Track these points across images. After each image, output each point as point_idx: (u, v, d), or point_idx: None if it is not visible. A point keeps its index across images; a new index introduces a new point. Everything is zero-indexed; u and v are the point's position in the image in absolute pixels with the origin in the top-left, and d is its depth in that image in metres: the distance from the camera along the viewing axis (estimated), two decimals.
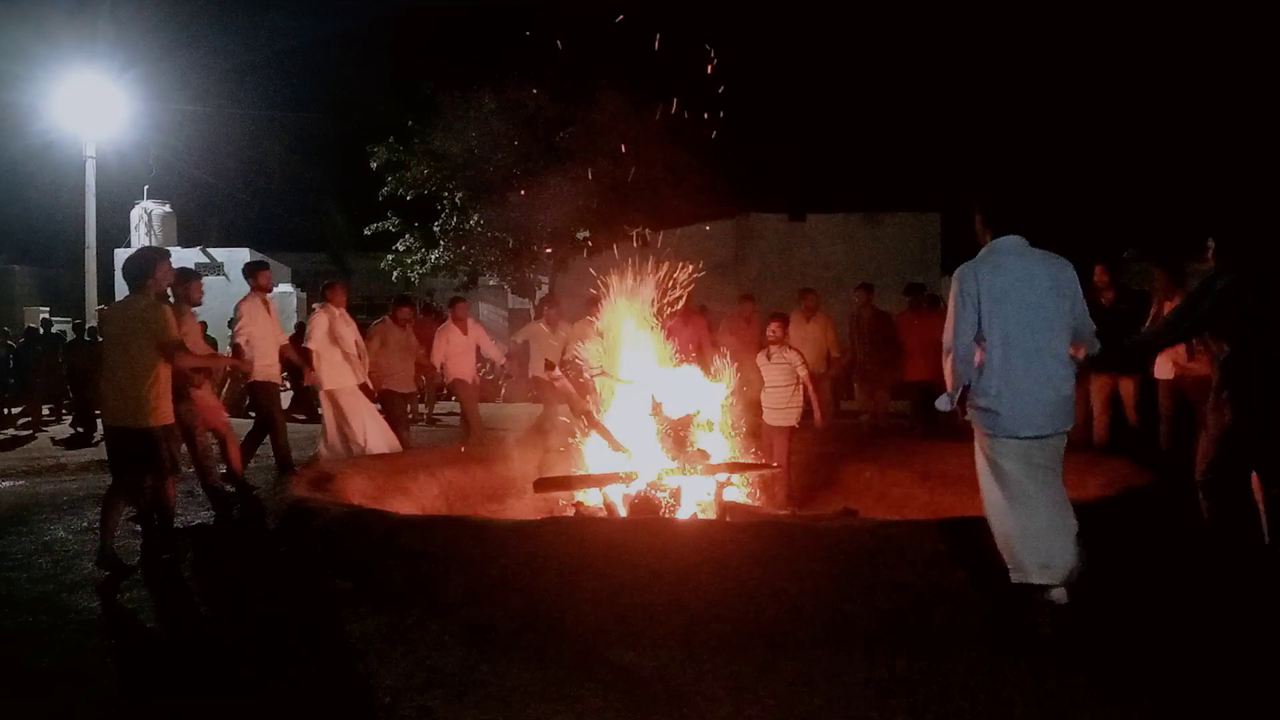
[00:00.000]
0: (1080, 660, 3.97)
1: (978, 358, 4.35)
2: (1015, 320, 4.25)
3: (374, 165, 19.99)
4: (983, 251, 4.44)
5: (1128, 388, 8.07)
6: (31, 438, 13.62)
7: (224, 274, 22.51)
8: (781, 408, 7.90)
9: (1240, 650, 4.06)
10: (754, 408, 7.93)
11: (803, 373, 7.92)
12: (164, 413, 5.69)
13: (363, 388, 8.78)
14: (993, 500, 4.36)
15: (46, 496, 8.26)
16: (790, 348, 8.09)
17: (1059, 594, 4.23)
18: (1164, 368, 7.51)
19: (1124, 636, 4.20)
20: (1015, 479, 4.28)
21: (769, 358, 7.98)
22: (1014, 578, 4.26)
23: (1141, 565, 4.84)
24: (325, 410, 8.70)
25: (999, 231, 4.44)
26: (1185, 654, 4.03)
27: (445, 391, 13.61)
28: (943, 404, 4.45)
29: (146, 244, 21.83)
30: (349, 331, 8.68)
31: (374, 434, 8.60)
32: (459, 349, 10.11)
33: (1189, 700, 3.65)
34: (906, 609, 4.40)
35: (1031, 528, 4.24)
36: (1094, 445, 7.82)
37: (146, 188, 23.21)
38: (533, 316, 20.65)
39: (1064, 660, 3.97)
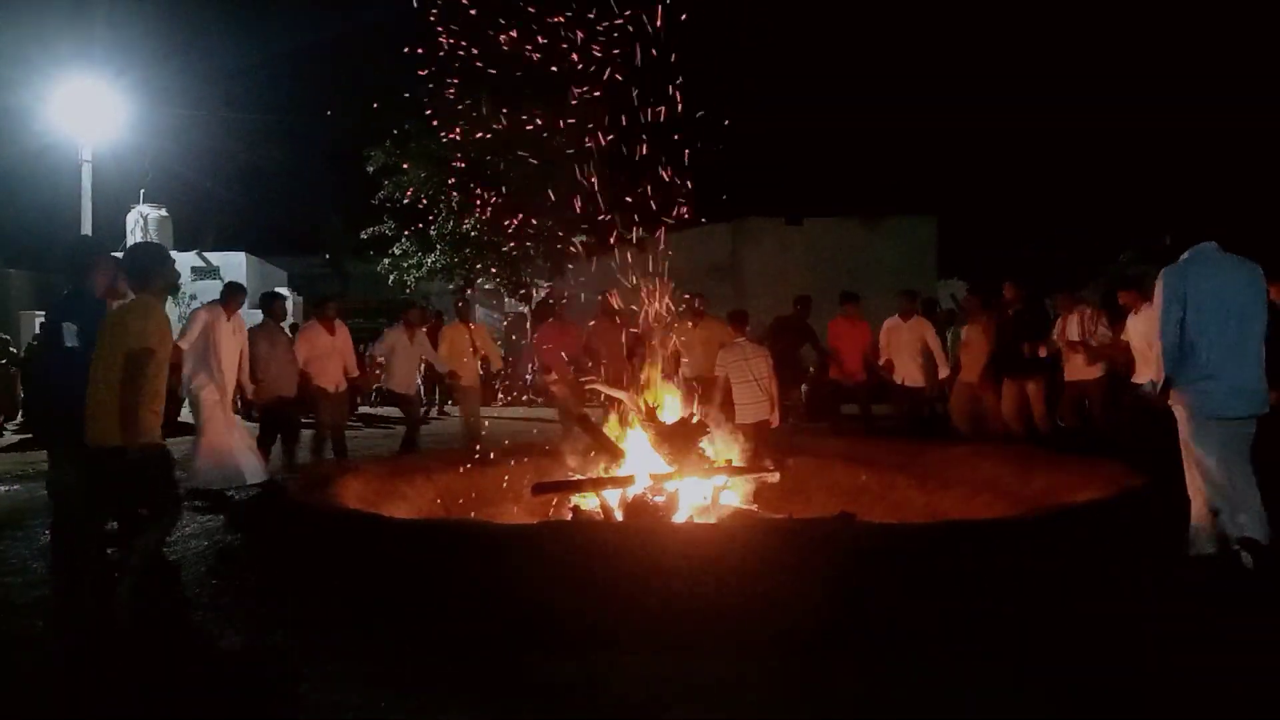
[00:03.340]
0: (1081, 662, 3.97)
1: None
2: (1222, 315, 4.93)
3: (370, 169, 20.00)
4: (1191, 257, 5.10)
5: (1035, 390, 9.00)
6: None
7: (220, 278, 22.46)
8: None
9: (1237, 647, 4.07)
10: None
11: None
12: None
13: (249, 402, 8.51)
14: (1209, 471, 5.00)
15: (42, 501, 8.22)
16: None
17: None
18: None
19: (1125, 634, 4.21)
20: (1218, 455, 4.95)
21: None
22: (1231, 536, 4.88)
23: (1139, 565, 4.86)
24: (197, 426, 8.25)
25: (1192, 239, 5.13)
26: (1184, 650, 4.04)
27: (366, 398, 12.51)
28: (1149, 389, 5.36)
29: None
30: (234, 341, 8.21)
31: (245, 462, 8.03)
32: (323, 352, 9.24)
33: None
34: (905, 613, 4.39)
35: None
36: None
37: (142, 191, 23.14)
38: (529, 319, 20.65)
39: (1065, 663, 3.97)
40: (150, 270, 4.94)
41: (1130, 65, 26.18)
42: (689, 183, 8.85)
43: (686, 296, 10.44)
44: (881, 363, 10.60)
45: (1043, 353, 9.07)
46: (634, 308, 7.74)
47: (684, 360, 7.75)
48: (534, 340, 10.96)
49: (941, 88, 27.23)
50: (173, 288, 5.29)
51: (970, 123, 25.73)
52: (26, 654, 4.48)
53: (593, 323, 10.59)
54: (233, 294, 8.51)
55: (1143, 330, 8.10)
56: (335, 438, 9.41)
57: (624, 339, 10.11)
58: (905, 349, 10.28)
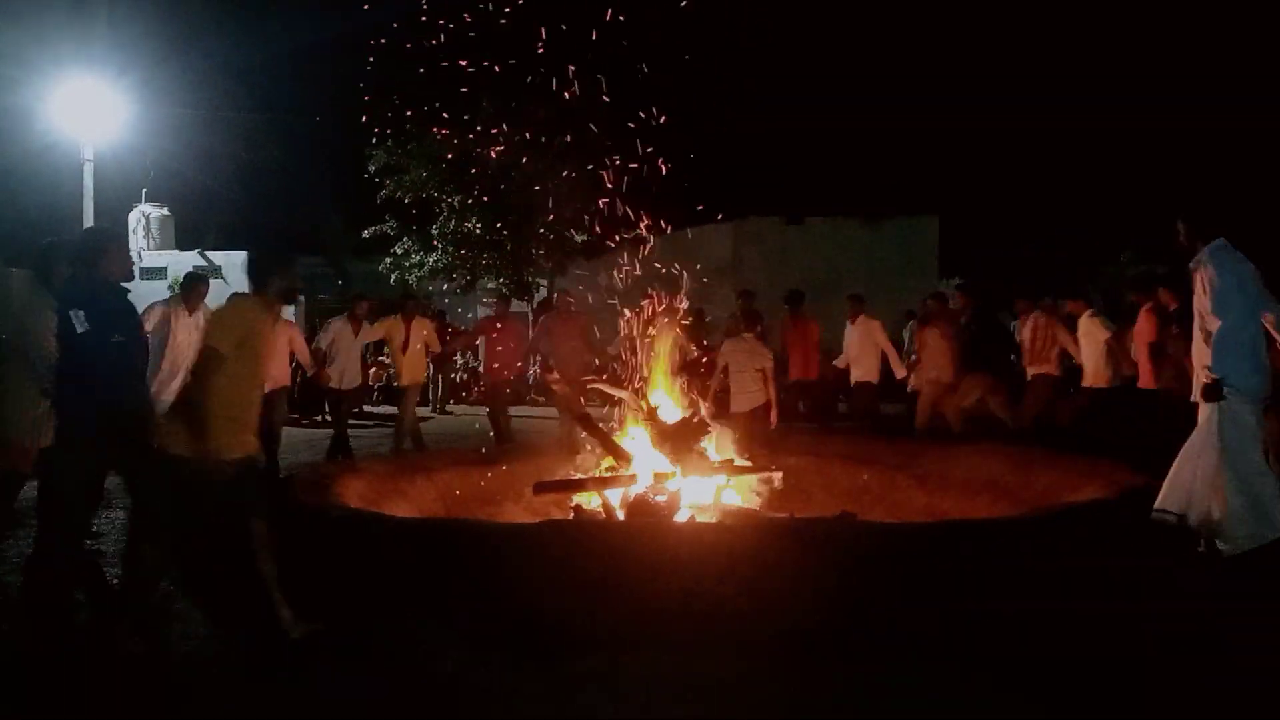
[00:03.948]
0: (1081, 662, 3.98)
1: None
2: (1263, 303, 5.17)
3: (372, 168, 20.00)
4: (1219, 246, 5.21)
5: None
6: None
7: (222, 277, 22.45)
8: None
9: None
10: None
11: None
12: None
13: None
14: (1249, 464, 5.10)
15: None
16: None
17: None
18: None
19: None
20: (1255, 440, 5.14)
21: None
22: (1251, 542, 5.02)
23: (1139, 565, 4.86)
24: None
25: (1211, 235, 5.25)
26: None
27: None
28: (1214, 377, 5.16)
29: (144, 247, 21.75)
30: (197, 337, 7.62)
31: None
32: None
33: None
34: (905, 613, 4.40)
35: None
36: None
37: (144, 191, 23.11)
38: (531, 319, 20.67)
39: (1065, 663, 3.98)
40: (267, 272, 4.83)
41: (1130, 65, 26.18)
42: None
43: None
44: (836, 361, 11.31)
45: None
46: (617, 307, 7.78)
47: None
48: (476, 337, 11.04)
49: (941, 88, 27.20)
50: (289, 294, 4.68)
51: (970, 123, 25.68)
52: (26, 654, 4.49)
53: (543, 319, 10.63)
54: (192, 287, 7.92)
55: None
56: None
57: (581, 336, 10.01)
58: (853, 348, 11.00)
